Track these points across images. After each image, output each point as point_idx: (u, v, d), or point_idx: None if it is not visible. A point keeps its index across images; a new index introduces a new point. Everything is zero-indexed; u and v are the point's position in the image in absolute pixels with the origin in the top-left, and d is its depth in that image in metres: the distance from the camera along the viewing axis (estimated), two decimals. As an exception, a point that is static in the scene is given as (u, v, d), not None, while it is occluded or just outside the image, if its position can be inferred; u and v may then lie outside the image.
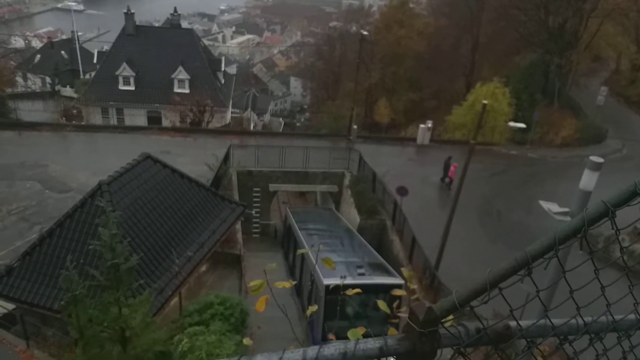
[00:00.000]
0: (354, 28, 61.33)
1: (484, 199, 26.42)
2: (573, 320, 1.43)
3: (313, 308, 2.99)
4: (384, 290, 13.55)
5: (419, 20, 55.24)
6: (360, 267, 16.29)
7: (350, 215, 24.93)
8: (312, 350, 1.30)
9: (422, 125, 34.44)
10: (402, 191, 22.32)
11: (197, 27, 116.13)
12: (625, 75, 51.74)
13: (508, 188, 28.59)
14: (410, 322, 1.31)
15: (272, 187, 27.55)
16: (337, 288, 2.88)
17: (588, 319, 1.43)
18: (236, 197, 23.69)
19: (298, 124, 73.15)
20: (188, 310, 15.35)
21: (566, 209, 11.21)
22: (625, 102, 48.31)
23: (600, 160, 11.50)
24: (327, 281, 14.68)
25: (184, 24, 65.08)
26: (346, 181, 27.19)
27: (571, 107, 43.13)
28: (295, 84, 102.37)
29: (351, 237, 20.78)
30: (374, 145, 33.00)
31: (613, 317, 1.46)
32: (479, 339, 1.34)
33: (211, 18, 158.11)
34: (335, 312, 14.93)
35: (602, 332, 1.43)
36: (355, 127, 33.55)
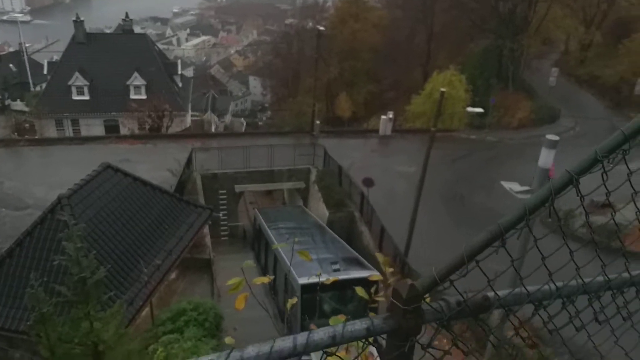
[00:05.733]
0: (310, 24, 61.34)
1: (447, 184, 26.97)
2: (546, 286, 1.48)
3: (292, 301, 2.96)
4: (360, 284, 13.45)
5: (374, 13, 55.72)
6: (334, 262, 16.32)
7: (319, 210, 25.02)
8: (301, 337, 1.32)
9: (383, 117, 34.82)
10: (368, 182, 22.55)
11: (150, 31, 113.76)
12: (575, 56, 53.55)
13: (470, 172, 29.25)
14: (394, 300, 1.35)
15: (238, 188, 27.35)
16: (313, 286, 2.87)
17: (560, 283, 1.49)
18: (202, 201, 23.42)
19: (260, 123, 72.72)
20: (160, 319, 15.13)
21: (527, 187, 11.59)
22: (575, 82, 50.01)
23: (556, 138, 11.93)
24: (302, 280, 14.64)
25: (137, 29, 63.75)
26: (312, 177, 27.25)
27: (525, 89, 44.40)
28: (255, 83, 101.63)
29: (323, 232, 20.83)
30: (338, 139, 33.17)
31: (583, 280, 1.52)
32: (460, 312, 1.39)
33: (164, 22, 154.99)
34: (312, 310, 14.92)
35: (573, 295, 1.50)
36: (318, 122, 33.63)
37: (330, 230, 21.20)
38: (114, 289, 14.40)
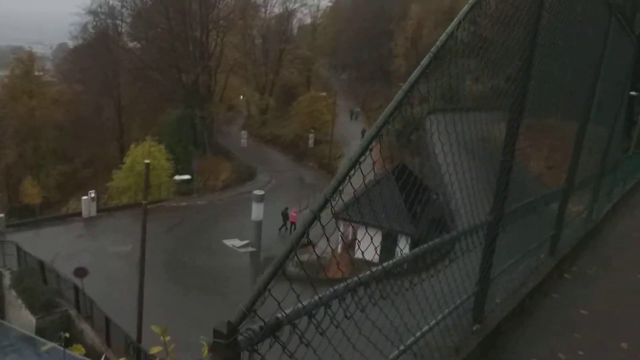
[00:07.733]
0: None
1: (167, 254, 26.48)
2: (313, 299, 1.97)
3: None
4: None
5: (51, 89, 51.40)
6: None
7: (22, 318, 20.97)
8: None
9: (84, 197, 32.01)
10: (81, 272, 20.21)
11: None
12: (256, 119, 60.67)
13: (187, 237, 29.47)
14: (216, 339, 1.59)
15: None
16: None
17: (322, 294, 2.01)
18: None
19: None
20: None
21: (247, 241, 12.50)
22: (262, 141, 56.54)
23: (262, 192, 13.25)
24: None
25: None
26: (6, 281, 22.76)
27: (222, 152, 47.82)
28: None
29: (32, 344, 17.54)
30: (32, 230, 28.82)
31: (334, 289, 2.09)
32: (263, 335, 1.70)
33: None
34: None
35: (330, 301, 2.04)
36: (1, 215, 28.58)
37: (43, 339, 18.00)
38: None
